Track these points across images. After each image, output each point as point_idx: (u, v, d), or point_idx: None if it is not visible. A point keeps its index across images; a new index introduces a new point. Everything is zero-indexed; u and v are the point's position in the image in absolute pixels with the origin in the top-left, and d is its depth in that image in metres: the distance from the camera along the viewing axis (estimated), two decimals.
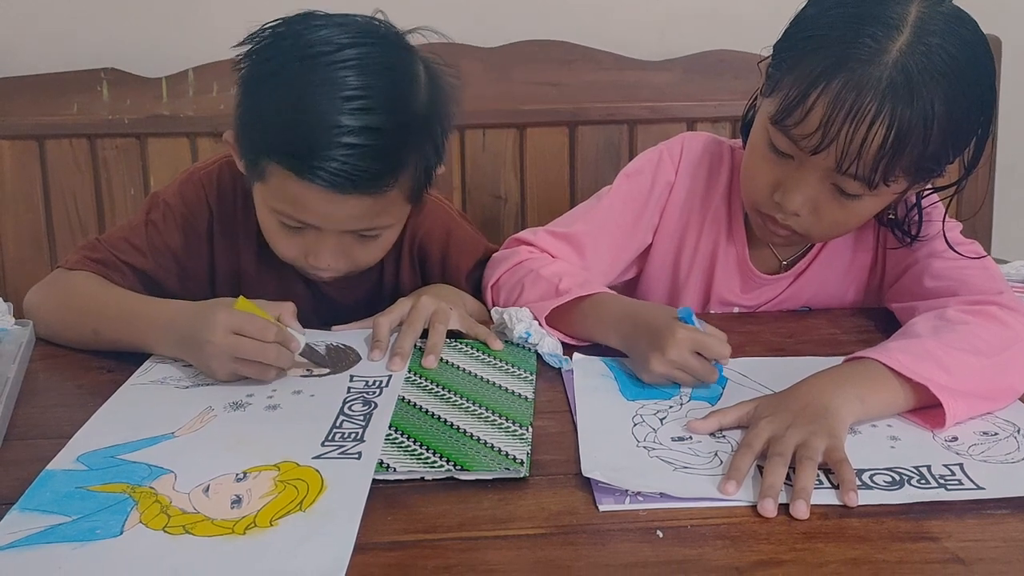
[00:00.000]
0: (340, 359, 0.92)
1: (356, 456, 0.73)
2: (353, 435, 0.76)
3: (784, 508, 0.67)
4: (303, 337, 0.89)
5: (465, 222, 1.21)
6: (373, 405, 0.82)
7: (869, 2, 0.88)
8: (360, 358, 0.93)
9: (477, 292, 1.12)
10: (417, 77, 0.94)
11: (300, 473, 0.70)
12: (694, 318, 0.88)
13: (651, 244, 1.14)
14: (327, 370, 0.90)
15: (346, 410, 0.81)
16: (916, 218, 1.02)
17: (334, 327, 1.01)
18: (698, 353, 0.85)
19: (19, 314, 1.03)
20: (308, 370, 0.90)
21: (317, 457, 0.73)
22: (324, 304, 1.14)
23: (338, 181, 0.87)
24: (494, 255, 1.12)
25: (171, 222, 1.08)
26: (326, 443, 0.75)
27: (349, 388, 0.86)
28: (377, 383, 0.87)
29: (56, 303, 1.01)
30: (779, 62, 0.93)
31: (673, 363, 0.85)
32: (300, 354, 0.89)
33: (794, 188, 0.93)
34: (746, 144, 1.02)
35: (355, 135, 0.87)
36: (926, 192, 1.01)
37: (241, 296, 0.89)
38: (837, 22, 0.88)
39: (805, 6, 0.94)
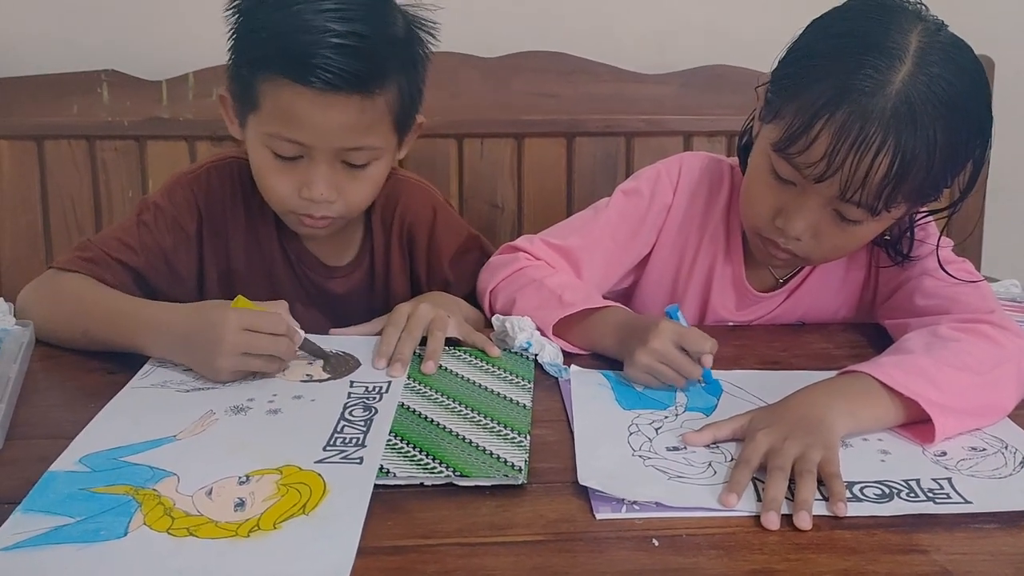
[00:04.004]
0: (340, 365, 0.93)
1: (358, 461, 0.74)
2: (354, 440, 0.77)
3: None
4: (301, 332, 0.92)
5: (449, 206, 1.24)
6: (374, 411, 0.83)
7: (870, 31, 0.89)
8: (360, 364, 0.94)
9: (463, 285, 1.15)
10: (392, 5, 1.01)
11: (302, 477, 0.71)
12: (679, 315, 0.90)
13: (648, 257, 1.15)
14: (327, 375, 0.91)
15: (347, 415, 0.82)
16: (909, 237, 1.04)
17: (332, 330, 1.02)
18: (683, 350, 0.87)
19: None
20: (308, 375, 0.91)
21: (319, 461, 0.74)
22: (316, 297, 1.17)
23: (329, 78, 0.93)
24: (491, 260, 1.14)
25: (161, 223, 1.11)
26: (328, 448, 0.76)
27: (349, 394, 0.87)
28: (377, 389, 0.88)
29: (47, 303, 1.02)
30: (779, 89, 0.94)
31: (656, 353, 0.87)
32: (300, 348, 0.92)
33: (796, 214, 0.95)
34: (744, 167, 1.04)
35: (342, 38, 0.93)
36: (920, 213, 1.03)
37: (239, 296, 0.91)
38: (838, 51, 0.89)
39: (803, 33, 0.95)
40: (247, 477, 0.71)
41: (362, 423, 0.80)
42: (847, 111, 0.87)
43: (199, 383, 0.88)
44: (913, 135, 0.86)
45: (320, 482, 0.71)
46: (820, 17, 0.95)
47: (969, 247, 1.61)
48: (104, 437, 0.78)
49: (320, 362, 0.94)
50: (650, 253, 1.15)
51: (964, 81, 0.88)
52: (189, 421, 0.81)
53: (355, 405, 0.84)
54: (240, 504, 0.68)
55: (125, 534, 0.64)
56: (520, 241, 1.14)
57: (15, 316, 1.02)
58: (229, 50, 1.01)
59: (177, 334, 0.91)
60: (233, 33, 1.00)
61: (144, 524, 0.65)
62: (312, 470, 0.72)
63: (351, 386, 0.88)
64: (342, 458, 0.74)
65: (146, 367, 0.92)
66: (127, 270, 1.07)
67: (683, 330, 0.89)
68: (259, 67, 0.96)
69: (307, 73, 0.92)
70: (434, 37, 1.05)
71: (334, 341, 0.99)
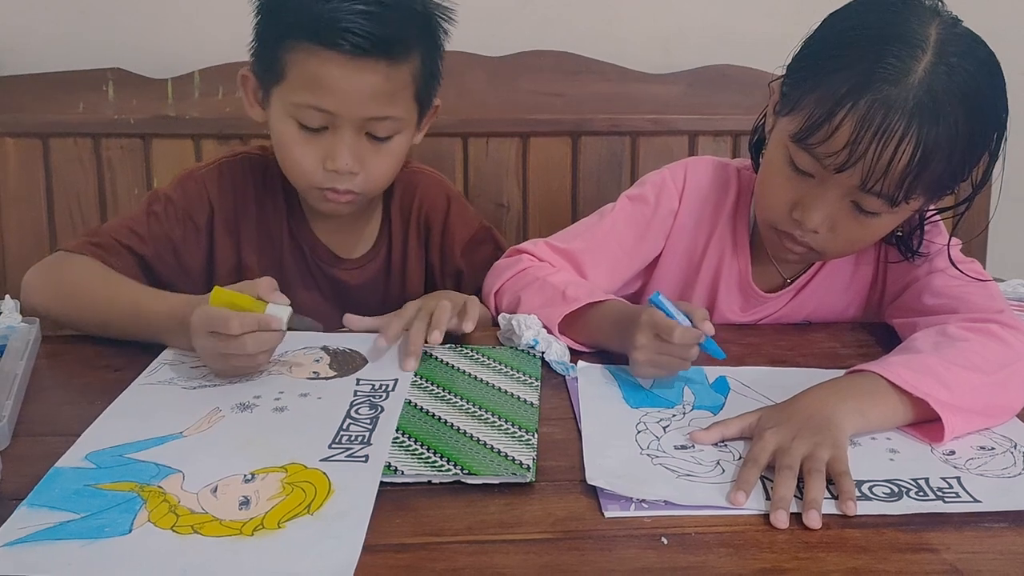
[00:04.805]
0: (347, 363, 0.93)
1: (363, 459, 0.73)
2: (360, 438, 0.77)
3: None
4: (287, 308, 0.86)
5: (462, 197, 1.27)
6: (380, 408, 0.83)
7: (890, 22, 0.89)
8: (366, 362, 0.93)
9: (475, 276, 1.16)
10: None
11: (308, 475, 0.71)
12: (661, 299, 0.89)
13: (656, 262, 1.15)
14: (334, 373, 0.91)
15: (353, 413, 0.82)
16: (920, 234, 1.03)
17: (346, 315, 1.00)
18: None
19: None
20: (315, 372, 0.91)
21: (324, 460, 0.73)
22: (329, 290, 1.17)
23: (358, 41, 0.96)
24: (496, 263, 1.14)
25: (172, 214, 1.12)
26: (333, 446, 0.76)
27: (355, 391, 0.86)
28: (383, 387, 0.87)
29: (57, 288, 1.03)
30: (797, 81, 0.94)
31: (646, 349, 0.87)
32: (289, 328, 0.87)
33: (814, 206, 0.94)
34: (756, 163, 1.03)
35: (367, 4, 0.96)
36: (931, 210, 1.02)
37: (216, 287, 0.87)
38: (860, 41, 0.89)
39: (820, 26, 0.95)
40: (252, 475, 0.71)
41: (368, 421, 0.80)
42: (870, 99, 0.86)
43: (205, 380, 0.88)
44: (936, 125, 0.86)
45: (325, 481, 0.70)
46: (837, 11, 0.95)
47: (975, 247, 1.61)
48: (110, 434, 0.78)
49: (327, 359, 0.94)
50: (658, 258, 1.14)
51: (983, 72, 0.88)
52: (195, 418, 0.80)
53: (361, 403, 0.84)
54: (245, 502, 0.67)
55: (130, 531, 0.64)
56: (525, 245, 1.14)
57: (20, 304, 1.01)
58: (254, 27, 1.03)
59: (173, 331, 0.91)
60: (258, 9, 1.02)
61: (149, 521, 0.65)
62: (317, 468, 0.72)
63: (358, 384, 0.88)
64: (347, 456, 0.74)
65: (153, 364, 0.92)
66: (134, 257, 1.08)
67: (660, 320, 0.87)
68: (286, 35, 0.98)
69: (336, 37, 0.95)
70: (450, 21, 1.06)
71: (342, 339, 0.99)
